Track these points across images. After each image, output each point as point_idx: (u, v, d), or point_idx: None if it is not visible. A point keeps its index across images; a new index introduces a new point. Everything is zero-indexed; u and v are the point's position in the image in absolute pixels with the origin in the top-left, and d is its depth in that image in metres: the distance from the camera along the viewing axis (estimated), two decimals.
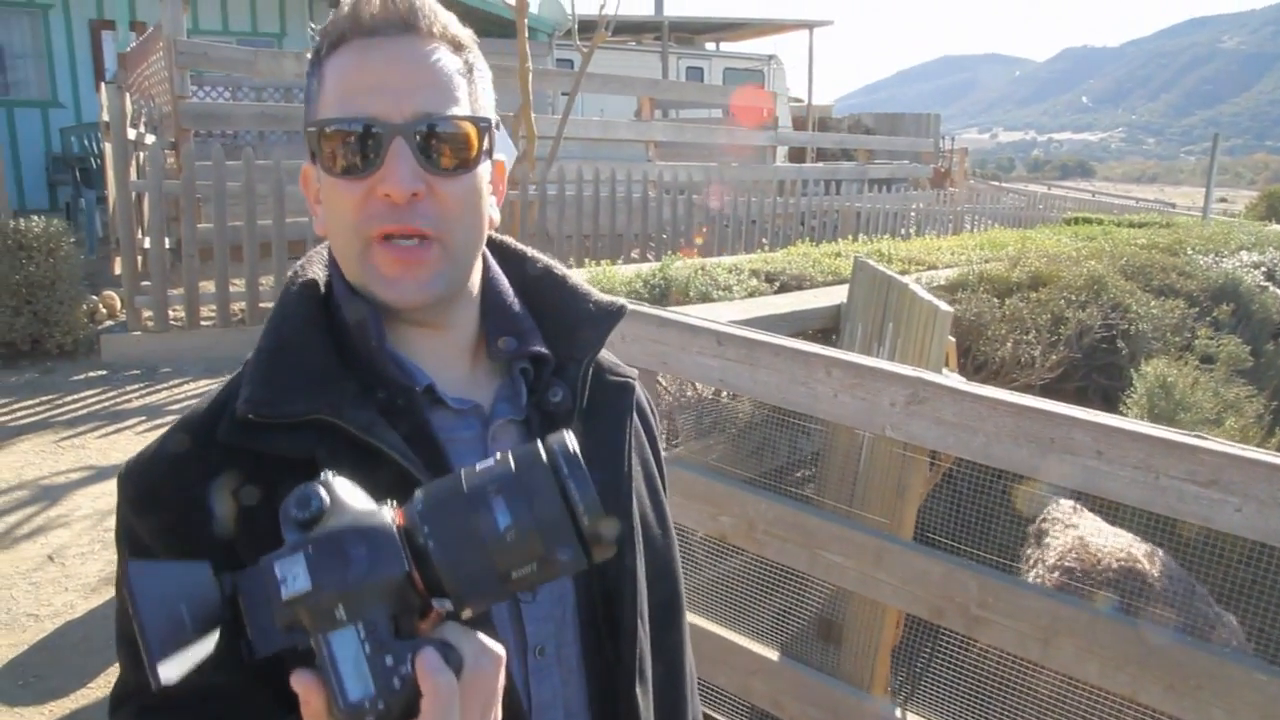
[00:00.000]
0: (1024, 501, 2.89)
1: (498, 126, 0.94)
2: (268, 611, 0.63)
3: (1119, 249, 5.36)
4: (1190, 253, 5.64)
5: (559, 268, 1.04)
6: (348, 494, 0.67)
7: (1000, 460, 2.03)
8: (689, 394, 3.89)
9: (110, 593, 3.63)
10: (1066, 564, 2.80)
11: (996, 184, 29.21)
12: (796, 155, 16.72)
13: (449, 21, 0.91)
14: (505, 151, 4.83)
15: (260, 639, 0.64)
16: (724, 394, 3.57)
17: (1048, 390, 4.18)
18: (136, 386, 6.39)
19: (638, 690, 0.96)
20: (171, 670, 0.59)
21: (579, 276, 1.04)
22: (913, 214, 13.14)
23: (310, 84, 0.91)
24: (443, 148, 0.86)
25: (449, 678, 0.63)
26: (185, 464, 0.85)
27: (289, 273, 0.96)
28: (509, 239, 1.05)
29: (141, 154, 7.64)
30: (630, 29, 19.48)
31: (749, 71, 19.36)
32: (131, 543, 0.86)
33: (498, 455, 0.68)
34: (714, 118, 16.52)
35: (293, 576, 0.62)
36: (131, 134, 7.29)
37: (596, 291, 1.02)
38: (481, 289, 0.97)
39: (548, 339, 0.98)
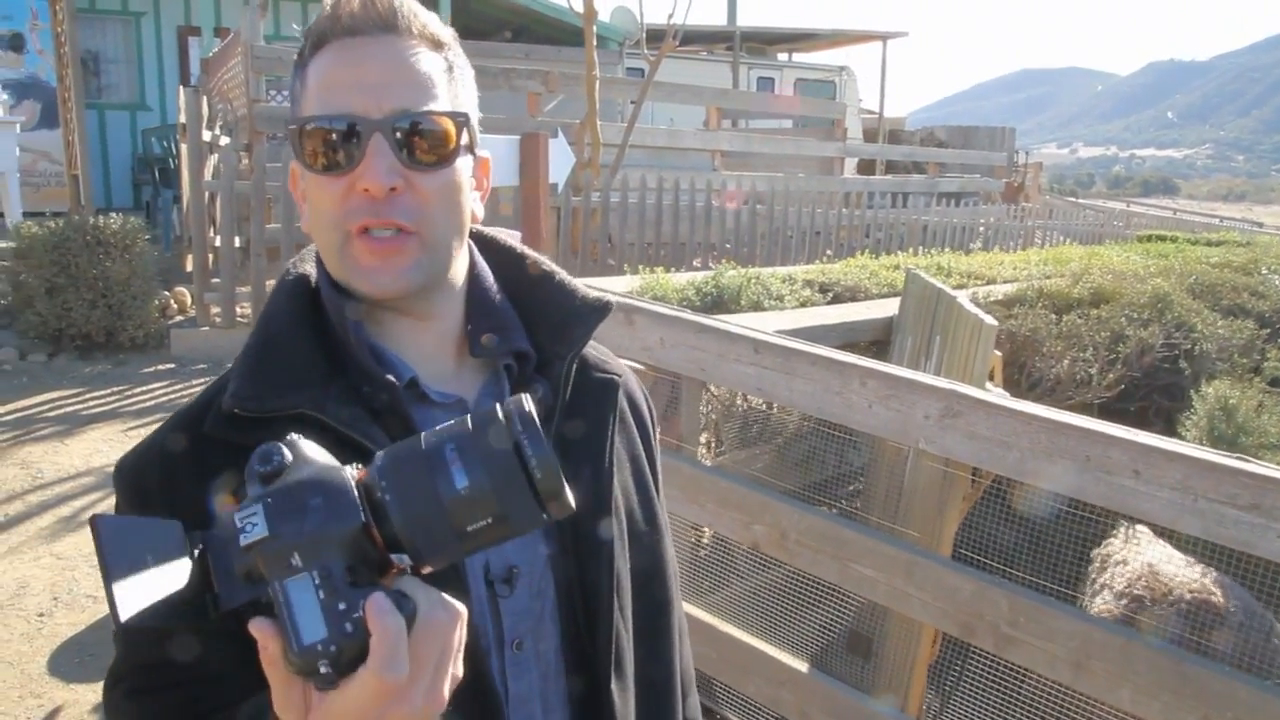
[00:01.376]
0: (1084, 524, 2.81)
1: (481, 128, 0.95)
2: (231, 564, 0.66)
3: (1188, 267, 5.20)
4: (1265, 272, 5.45)
5: (545, 263, 1.04)
6: (311, 452, 0.69)
7: (1035, 477, 1.99)
8: (739, 403, 3.87)
9: None
10: (1135, 592, 2.69)
11: (1073, 200, 28.54)
12: (866, 167, 16.56)
13: (429, 20, 0.92)
14: (562, 158, 4.85)
15: (226, 592, 0.66)
16: (774, 405, 3.55)
17: (1107, 410, 4.07)
18: (202, 380, 6.58)
19: (614, 687, 0.96)
20: (135, 610, 0.62)
21: (565, 273, 1.04)
22: (981, 229, 12.91)
23: (294, 84, 0.93)
24: (421, 143, 0.87)
25: (397, 620, 0.64)
26: (174, 458, 0.88)
27: (283, 269, 0.98)
28: (498, 233, 1.05)
29: (216, 155, 7.88)
30: (703, 39, 19.50)
31: (820, 83, 19.25)
32: None
33: (457, 418, 0.70)
34: (783, 128, 16.45)
35: (251, 525, 0.64)
36: (206, 136, 7.53)
37: (584, 287, 1.03)
38: (467, 283, 0.98)
39: (532, 335, 0.99)
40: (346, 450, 0.82)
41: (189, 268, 7.87)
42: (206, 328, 7.19)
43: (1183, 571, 2.67)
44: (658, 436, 1.14)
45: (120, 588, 0.62)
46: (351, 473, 0.68)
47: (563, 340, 0.98)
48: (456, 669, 0.69)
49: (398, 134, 0.86)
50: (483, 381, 0.97)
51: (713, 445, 3.80)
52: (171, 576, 0.65)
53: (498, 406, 0.69)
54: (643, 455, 1.08)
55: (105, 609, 3.70)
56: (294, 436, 0.70)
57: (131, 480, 0.89)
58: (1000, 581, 2.07)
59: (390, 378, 0.90)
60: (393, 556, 0.67)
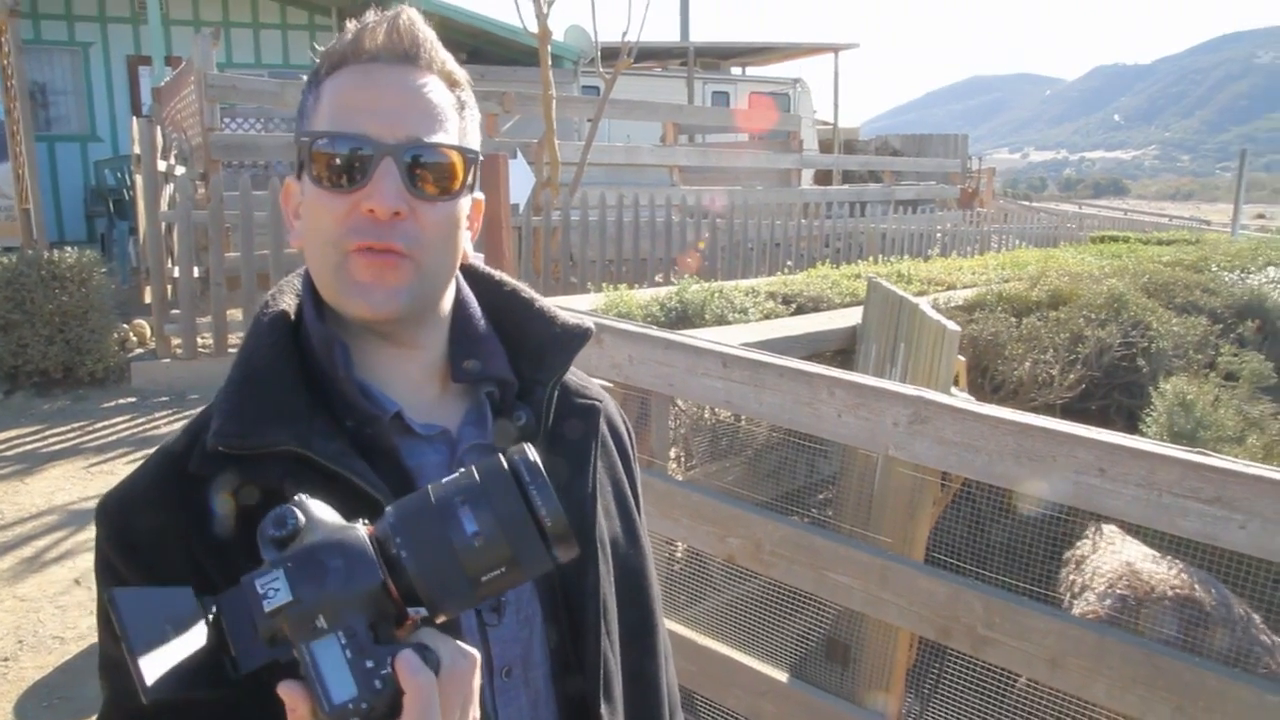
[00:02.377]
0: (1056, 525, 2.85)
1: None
2: (250, 628, 0.66)
3: (1141, 266, 5.31)
4: (1215, 269, 5.57)
5: (526, 290, 1.05)
6: (322, 513, 0.71)
7: (1003, 479, 2.02)
8: (707, 417, 3.89)
9: None
10: (1118, 591, 2.72)
11: (1026, 204, 28.99)
12: (823, 178, 16.72)
13: (447, 59, 0.94)
14: (522, 178, 4.90)
15: (244, 655, 0.67)
16: (742, 418, 3.57)
17: (1069, 410, 4.14)
18: (165, 413, 6.49)
19: (603, 711, 0.96)
20: (158, 681, 0.62)
21: (545, 300, 1.05)
22: (939, 235, 13.08)
23: (306, 100, 0.94)
24: (428, 174, 0.89)
25: (428, 676, 0.66)
26: (159, 498, 0.87)
27: (260, 303, 0.98)
28: (480, 264, 1.07)
29: (171, 185, 7.80)
30: (657, 55, 19.64)
31: (775, 95, 19.42)
32: (110, 576, 0.87)
33: (462, 469, 0.72)
34: (739, 141, 16.58)
35: (274, 590, 0.65)
36: (161, 165, 7.45)
37: (564, 313, 1.03)
38: (452, 312, 0.99)
39: (514, 362, 1.00)
40: (330, 483, 0.83)
41: (148, 299, 7.76)
42: (167, 360, 7.10)
43: (1161, 569, 2.71)
44: (636, 459, 1.15)
45: (145, 660, 0.62)
46: (363, 531, 0.70)
47: (544, 367, 0.99)
48: (475, 711, 0.72)
49: (407, 161, 0.88)
50: (465, 409, 0.98)
51: (683, 460, 3.81)
52: (190, 643, 0.66)
53: (501, 457, 0.71)
54: (624, 479, 1.10)
55: (73, 650, 3.63)
56: (302, 497, 0.71)
57: (119, 525, 0.88)
58: (974, 584, 2.10)
59: (375, 412, 0.90)
60: (409, 609, 0.69)
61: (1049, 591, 2.80)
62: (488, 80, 12.87)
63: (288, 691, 0.65)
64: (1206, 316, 4.57)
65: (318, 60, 0.95)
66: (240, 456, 0.85)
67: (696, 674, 2.67)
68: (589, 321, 1.03)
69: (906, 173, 17.19)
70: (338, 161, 0.87)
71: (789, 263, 11.06)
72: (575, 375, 1.05)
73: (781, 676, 2.53)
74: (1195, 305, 4.77)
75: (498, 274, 1.06)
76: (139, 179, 7.78)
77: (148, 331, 7.48)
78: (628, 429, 1.15)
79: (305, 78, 0.98)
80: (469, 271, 1.05)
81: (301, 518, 0.69)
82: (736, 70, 21.87)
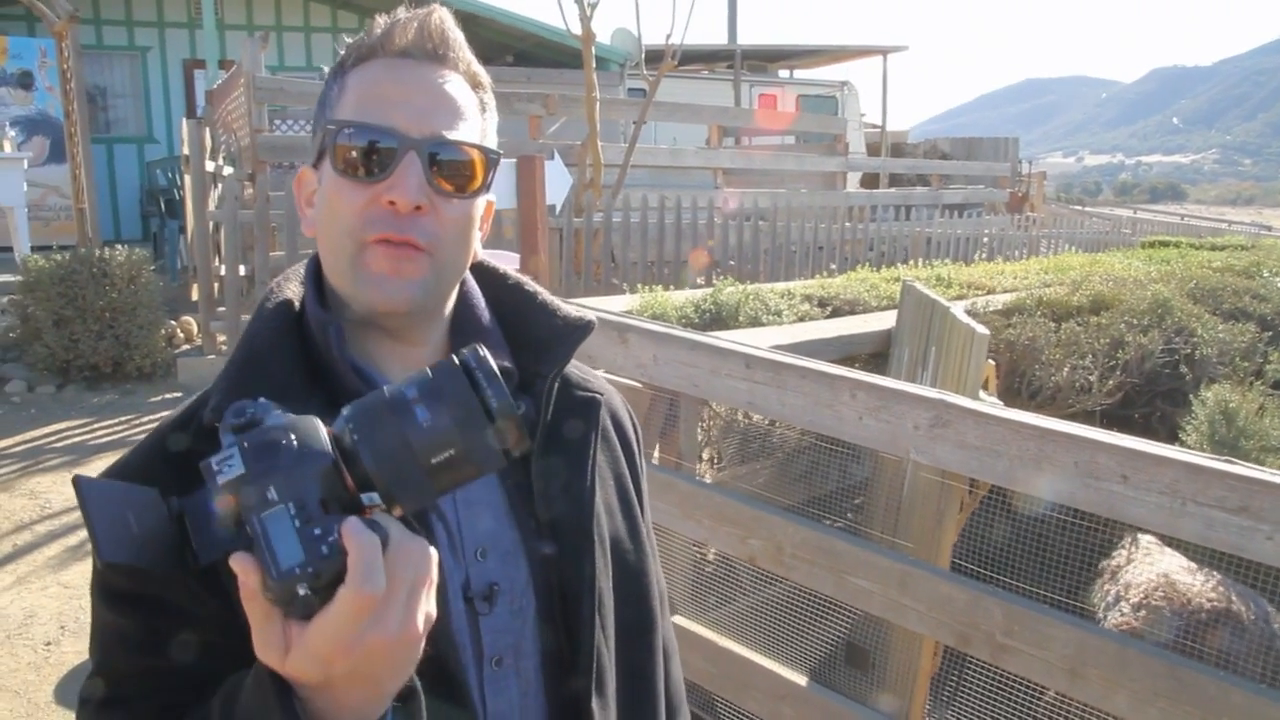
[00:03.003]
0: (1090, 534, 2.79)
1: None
2: (209, 519, 0.69)
3: (1190, 271, 5.19)
4: (1267, 275, 5.43)
5: (529, 284, 1.06)
6: (280, 409, 0.73)
7: (1024, 484, 1.99)
8: (740, 419, 3.87)
9: None
10: (1153, 602, 2.66)
11: (1079, 208, 28.47)
12: (870, 182, 16.58)
13: (472, 60, 0.96)
14: (559, 179, 4.91)
15: (204, 547, 0.70)
16: (776, 422, 3.55)
17: (1110, 417, 4.06)
18: None
19: (595, 704, 0.96)
20: (114, 545, 0.65)
21: (548, 293, 1.06)
22: (985, 239, 12.91)
23: (330, 90, 0.95)
24: (450, 170, 0.90)
25: (372, 537, 0.67)
26: (156, 471, 0.87)
27: (266, 289, 0.99)
28: (488, 259, 1.08)
29: (220, 185, 7.95)
30: (704, 58, 19.59)
31: (822, 98, 19.29)
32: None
33: (416, 370, 0.74)
34: (785, 144, 16.49)
35: (229, 466, 0.67)
36: (210, 166, 7.61)
37: (566, 307, 1.04)
38: (455, 307, 1.00)
39: (516, 354, 1.00)
40: None
41: (195, 297, 7.93)
42: (213, 355, 7.24)
43: (1198, 581, 2.64)
44: (643, 454, 1.15)
45: (102, 530, 0.65)
46: (319, 422, 0.72)
47: (545, 359, 0.99)
48: (430, 607, 0.71)
49: (432, 156, 0.89)
50: None
51: (715, 461, 3.80)
52: (152, 526, 0.69)
53: (453, 356, 0.73)
54: (626, 474, 1.09)
55: None
56: (264, 400, 0.73)
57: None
58: (994, 590, 2.07)
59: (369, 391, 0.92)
60: (363, 497, 0.70)
61: (1079, 603, 2.74)
62: (534, 83, 12.95)
63: (239, 563, 0.66)
64: (1256, 323, 4.46)
65: (343, 51, 0.96)
66: None
67: (716, 676, 2.66)
68: (590, 315, 1.03)
69: (954, 176, 16.97)
70: (362, 152, 0.88)
71: (831, 265, 10.99)
72: (577, 369, 1.06)
73: (801, 680, 2.51)
74: (1244, 311, 4.65)
75: (502, 268, 1.07)
76: (188, 179, 7.95)
77: (194, 328, 7.64)
78: (633, 422, 1.14)
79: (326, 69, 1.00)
80: (476, 267, 1.06)
81: (261, 410, 0.71)
82: (784, 73, 21.76)
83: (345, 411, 0.72)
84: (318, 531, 0.66)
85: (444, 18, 0.94)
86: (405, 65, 0.91)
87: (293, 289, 0.98)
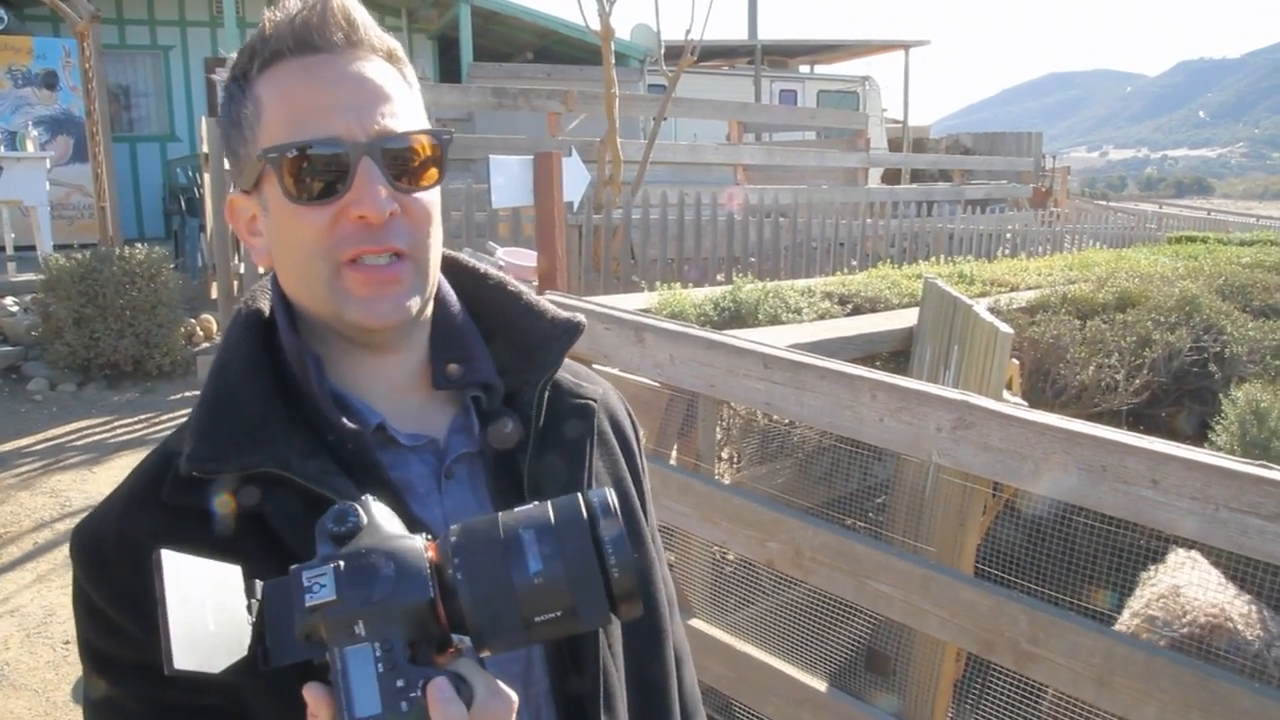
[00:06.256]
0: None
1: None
2: (289, 621, 0.65)
3: (1218, 267, 5.09)
4: None
5: (512, 284, 1.00)
6: (383, 518, 0.69)
7: (1050, 489, 1.93)
8: (760, 419, 3.83)
9: None
10: (1151, 611, 2.60)
11: (1104, 203, 28.18)
12: (891, 177, 16.46)
13: (383, 34, 0.88)
14: (577, 176, 4.85)
15: (277, 648, 0.66)
16: (796, 422, 3.50)
17: (1138, 416, 3.98)
18: None
19: (604, 718, 0.92)
20: (186, 654, 0.61)
21: (533, 293, 1.00)
22: (1008, 235, 12.77)
23: (239, 107, 0.86)
24: (410, 165, 0.84)
25: (460, 710, 0.63)
26: (133, 526, 0.83)
27: (234, 309, 0.93)
28: (461, 256, 1.02)
29: None
30: (724, 53, 19.52)
31: (843, 94, 19.18)
32: (86, 606, 0.83)
33: (537, 503, 0.69)
34: (807, 140, 16.40)
35: (319, 585, 0.64)
36: (227, 164, 7.62)
37: (553, 308, 0.98)
38: (433, 309, 0.94)
39: (500, 362, 0.95)
40: (312, 503, 0.79)
41: (215, 295, 7.96)
42: None
43: (1206, 596, 2.56)
44: (644, 453, 1.10)
45: (177, 632, 0.61)
46: (423, 544, 0.68)
47: (534, 366, 0.94)
48: None
49: (386, 156, 0.82)
50: (451, 416, 0.93)
51: (734, 460, 3.75)
52: (228, 626, 0.64)
53: (579, 497, 0.68)
54: (627, 477, 1.04)
55: None
56: (368, 497, 0.69)
57: (90, 550, 0.84)
58: (1019, 597, 2.01)
59: (355, 427, 0.85)
60: (454, 636, 0.67)
61: (1106, 611, 2.68)
62: (554, 79, 12.92)
63: (312, 694, 0.63)
64: None
65: (236, 56, 0.87)
66: (216, 480, 0.81)
67: (735, 680, 2.62)
68: (580, 316, 0.98)
69: (977, 171, 16.81)
70: (311, 173, 0.81)
71: (853, 262, 10.91)
72: (570, 373, 1.00)
73: (820, 686, 2.46)
74: (1275, 309, 4.55)
75: (482, 267, 1.01)
76: (207, 177, 7.97)
77: (214, 326, 7.67)
78: (633, 421, 1.09)
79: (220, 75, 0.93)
80: (453, 266, 1.00)
81: (364, 518, 0.67)
82: (805, 68, 21.64)
83: (453, 537, 0.67)
84: (400, 684, 0.63)
85: (346, 1, 0.85)
86: (321, 62, 0.83)
87: (262, 304, 0.92)
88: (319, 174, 0.81)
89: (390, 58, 0.88)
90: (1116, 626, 2.48)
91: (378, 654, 0.63)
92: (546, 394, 0.94)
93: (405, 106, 0.86)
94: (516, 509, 0.69)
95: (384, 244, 0.83)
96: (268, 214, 0.86)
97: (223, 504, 0.82)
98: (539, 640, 0.67)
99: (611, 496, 0.68)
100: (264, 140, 0.84)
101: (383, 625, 0.63)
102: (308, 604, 0.63)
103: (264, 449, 0.81)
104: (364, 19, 0.86)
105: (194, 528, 0.80)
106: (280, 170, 0.82)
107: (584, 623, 0.66)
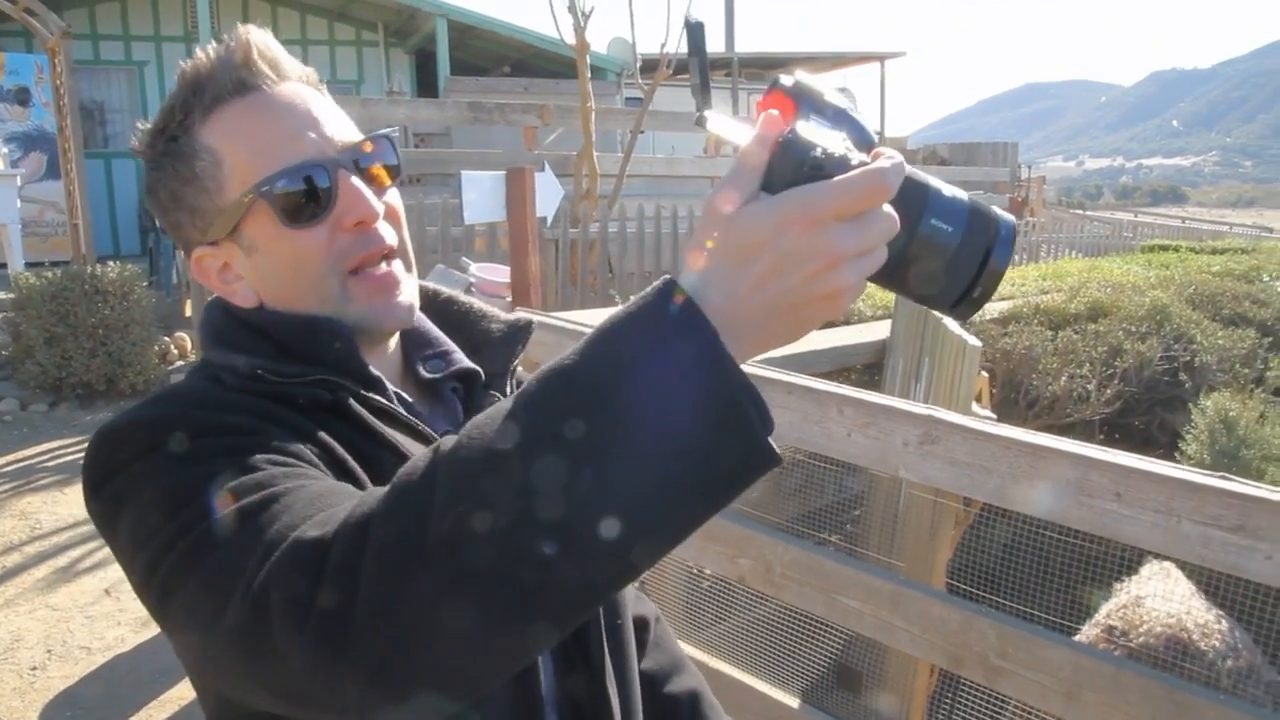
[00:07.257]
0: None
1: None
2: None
3: (1189, 276, 5.15)
4: (1267, 279, 5.38)
5: (460, 298, 1.06)
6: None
7: (1016, 503, 1.94)
8: None
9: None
10: (1110, 621, 2.62)
11: (1080, 212, 28.38)
12: None
13: (297, 62, 0.94)
14: (550, 191, 4.83)
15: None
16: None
17: (1110, 426, 4.01)
18: None
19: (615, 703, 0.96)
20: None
21: (479, 303, 1.07)
22: None
23: (190, 164, 0.87)
24: (377, 168, 0.91)
25: (894, 172, 0.59)
26: (220, 400, 0.82)
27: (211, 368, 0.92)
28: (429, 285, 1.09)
29: None
30: None
31: None
32: (191, 431, 0.76)
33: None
34: None
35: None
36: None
37: (501, 313, 1.05)
38: None
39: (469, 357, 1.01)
40: (362, 436, 0.84)
41: (189, 313, 7.90)
42: None
43: (1165, 607, 2.57)
44: None
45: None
46: None
47: (498, 358, 1.00)
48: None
49: (358, 165, 0.89)
50: (431, 407, 0.97)
51: None
52: None
53: (996, 210, 0.67)
54: None
55: (99, 661, 3.66)
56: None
57: (172, 411, 0.80)
58: (988, 611, 2.01)
59: (382, 376, 0.90)
60: None
61: (1074, 624, 2.69)
62: (531, 93, 12.94)
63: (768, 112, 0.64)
64: (1255, 329, 4.41)
65: (157, 120, 0.90)
66: (272, 385, 0.83)
67: None
68: (526, 316, 1.05)
69: (953, 182, 16.91)
70: (302, 194, 0.86)
71: None
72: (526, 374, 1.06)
73: (794, 703, 2.45)
74: (1244, 317, 4.60)
75: (431, 286, 1.06)
76: None
77: (188, 344, 7.61)
78: None
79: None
80: None
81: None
82: None
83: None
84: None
85: (263, 38, 0.90)
86: (263, 98, 0.87)
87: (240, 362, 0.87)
88: (306, 196, 0.86)
89: (313, 82, 0.94)
90: (1078, 637, 2.48)
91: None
92: (517, 382, 1.01)
93: (346, 121, 0.93)
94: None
95: (381, 245, 0.89)
96: (251, 253, 0.89)
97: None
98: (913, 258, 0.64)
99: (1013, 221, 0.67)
100: (236, 184, 0.87)
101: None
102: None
103: (319, 365, 0.86)
104: (282, 52, 0.92)
105: (274, 407, 0.82)
106: (273, 201, 0.85)
107: (915, 288, 0.64)
